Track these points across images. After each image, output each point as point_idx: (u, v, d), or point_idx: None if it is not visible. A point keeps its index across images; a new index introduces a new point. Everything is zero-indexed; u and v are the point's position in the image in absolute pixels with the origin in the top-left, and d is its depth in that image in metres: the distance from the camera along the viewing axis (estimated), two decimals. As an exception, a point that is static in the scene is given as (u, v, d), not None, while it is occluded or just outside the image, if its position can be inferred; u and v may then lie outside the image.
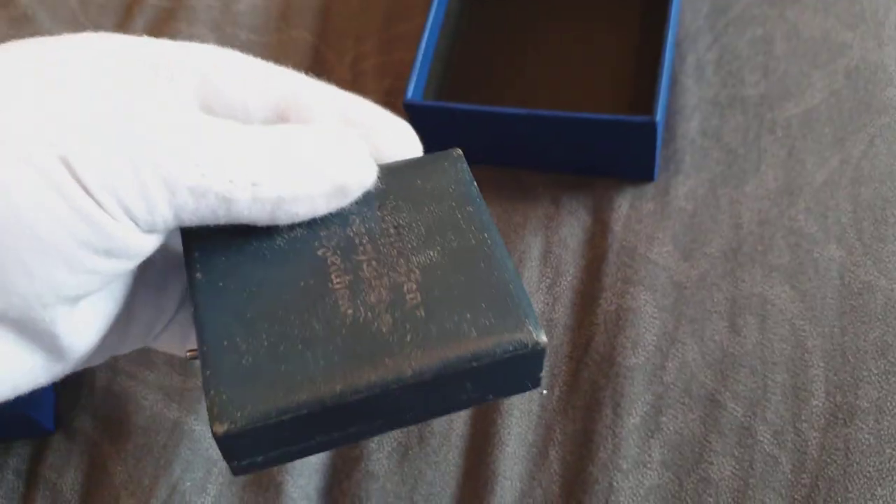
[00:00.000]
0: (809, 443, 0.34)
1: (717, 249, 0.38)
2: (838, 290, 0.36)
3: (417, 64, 0.40)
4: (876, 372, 0.35)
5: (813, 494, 0.33)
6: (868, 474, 0.33)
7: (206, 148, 0.23)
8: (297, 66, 0.46)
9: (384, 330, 0.23)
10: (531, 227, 0.40)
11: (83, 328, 0.25)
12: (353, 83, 0.46)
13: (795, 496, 0.33)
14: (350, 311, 0.23)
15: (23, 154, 0.21)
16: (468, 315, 0.23)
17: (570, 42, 0.43)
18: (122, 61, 0.24)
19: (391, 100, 0.45)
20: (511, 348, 0.23)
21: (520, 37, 0.44)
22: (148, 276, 0.27)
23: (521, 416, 0.36)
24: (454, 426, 0.37)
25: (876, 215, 0.37)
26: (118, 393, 0.39)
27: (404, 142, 0.28)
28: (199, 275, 0.24)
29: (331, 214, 0.25)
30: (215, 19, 0.49)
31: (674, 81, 0.42)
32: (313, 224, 0.25)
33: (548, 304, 0.38)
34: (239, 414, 0.21)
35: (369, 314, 0.23)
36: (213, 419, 0.21)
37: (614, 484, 0.34)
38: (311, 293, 0.23)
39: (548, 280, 0.39)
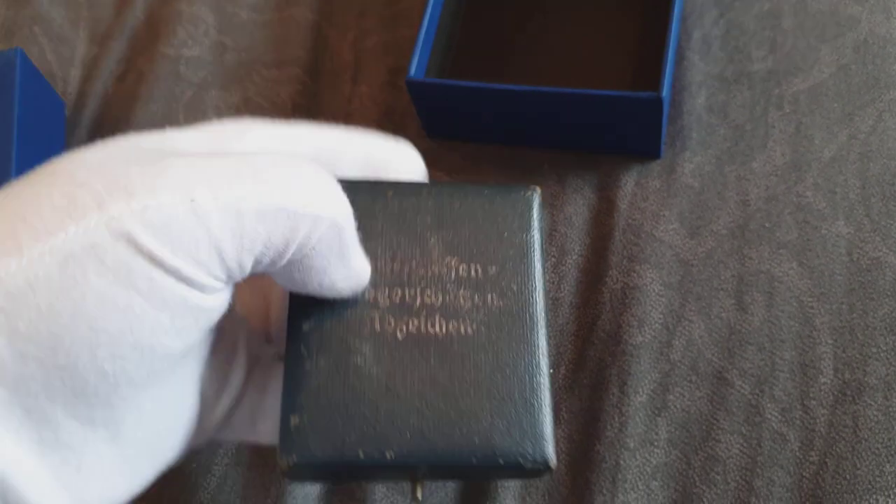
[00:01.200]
0: (818, 420, 0.34)
1: (724, 227, 0.38)
2: (846, 266, 0.36)
3: (420, 41, 0.40)
4: (884, 348, 0.34)
5: (821, 471, 0.33)
6: (876, 451, 0.33)
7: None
8: (299, 44, 0.46)
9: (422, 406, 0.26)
10: (536, 205, 0.40)
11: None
12: (355, 63, 0.45)
13: (804, 473, 0.33)
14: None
15: (77, 247, 0.20)
16: (492, 409, 0.26)
17: (574, 18, 0.43)
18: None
19: (394, 79, 0.44)
20: (522, 463, 0.26)
21: (524, 13, 0.43)
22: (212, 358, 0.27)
23: (527, 395, 0.36)
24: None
25: (884, 191, 0.37)
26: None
27: (415, 166, 0.30)
28: (304, 326, 0.27)
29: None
30: (216, -2, 0.48)
31: (680, 57, 0.42)
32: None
33: (553, 282, 0.38)
34: (303, 454, 0.25)
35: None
36: (282, 451, 0.25)
37: (621, 462, 0.34)
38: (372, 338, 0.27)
39: (553, 258, 0.39)
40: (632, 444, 0.34)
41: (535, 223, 0.29)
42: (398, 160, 0.29)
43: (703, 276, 0.37)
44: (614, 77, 0.41)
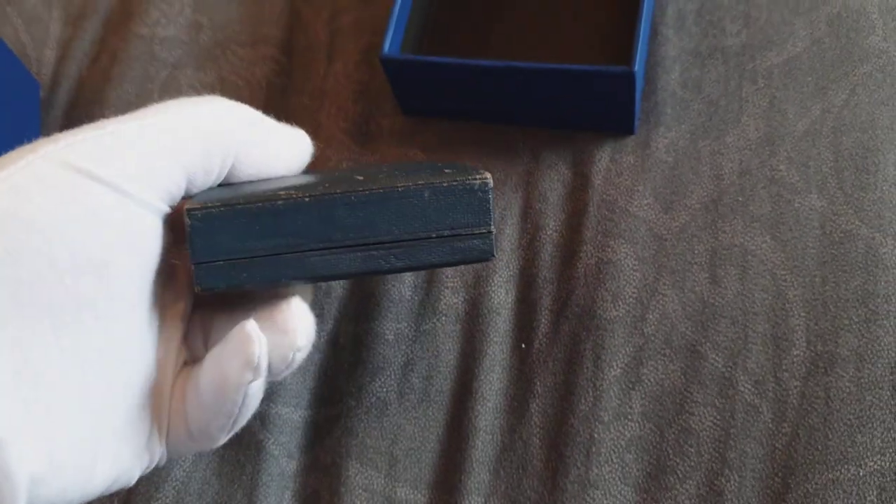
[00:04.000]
0: (790, 392, 0.34)
1: (698, 201, 0.38)
2: (819, 239, 0.36)
3: (394, 18, 0.39)
4: (856, 320, 0.34)
5: (794, 443, 0.33)
6: (848, 421, 0.33)
7: None
8: (273, 23, 0.46)
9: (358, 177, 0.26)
10: (511, 183, 0.40)
11: None
12: (329, 41, 0.45)
13: (776, 445, 0.33)
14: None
15: None
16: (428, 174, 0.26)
17: (549, -6, 0.43)
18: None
19: (369, 57, 0.44)
20: (458, 182, 0.26)
21: (498, -10, 0.43)
22: None
23: (501, 370, 0.36)
24: (434, 381, 0.37)
25: (857, 164, 0.37)
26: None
27: (303, 153, 0.31)
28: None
29: None
30: (190, -23, 0.48)
31: (654, 33, 0.42)
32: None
33: (528, 258, 0.38)
34: (207, 203, 0.25)
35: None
36: (186, 208, 0.25)
37: (595, 436, 0.34)
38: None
39: (528, 235, 0.39)
40: (606, 418, 0.34)
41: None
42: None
43: (677, 251, 0.37)
44: (589, 53, 0.41)
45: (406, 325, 0.38)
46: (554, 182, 0.39)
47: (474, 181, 0.26)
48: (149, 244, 0.25)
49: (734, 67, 0.40)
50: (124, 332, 0.25)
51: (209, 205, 0.25)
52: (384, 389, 0.37)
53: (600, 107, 0.38)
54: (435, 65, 0.38)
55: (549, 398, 0.35)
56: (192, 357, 0.29)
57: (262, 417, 0.37)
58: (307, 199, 0.25)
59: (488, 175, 0.26)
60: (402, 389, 0.37)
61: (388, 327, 0.38)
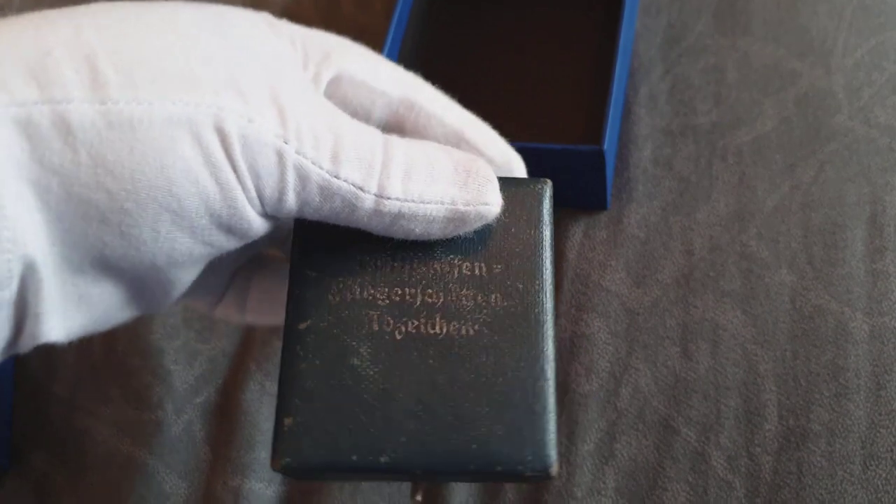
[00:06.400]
0: (763, 467, 0.34)
1: (670, 276, 0.38)
2: (790, 314, 0.37)
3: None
4: (827, 395, 0.35)
5: (766, 519, 0.33)
6: (820, 497, 0.33)
7: (346, 147, 0.23)
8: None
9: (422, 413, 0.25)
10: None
11: (172, 289, 0.26)
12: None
13: (749, 521, 0.33)
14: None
15: (185, 117, 0.21)
16: (492, 414, 0.25)
17: (525, 72, 0.44)
18: (277, 33, 0.25)
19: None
20: (521, 471, 0.25)
21: (473, 67, 0.44)
22: None
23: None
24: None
25: (826, 240, 0.38)
26: (74, 428, 0.39)
27: (512, 172, 0.30)
28: (310, 272, 0.26)
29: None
30: None
31: (627, 111, 0.43)
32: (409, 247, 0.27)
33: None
34: (295, 456, 0.25)
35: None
36: (274, 452, 0.25)
37: (568, 512, 0.34)
38: (378, 340, 0.26)
39: (503, 309, 0.39)
40: (579, 494, 0.34)
41: (546, 218, 0.28)
42: (496, 155, 0.30)
43: (649, 325, 0.37)
44: (564, 131, 0.42)
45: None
46: (529, 256, 0.40)
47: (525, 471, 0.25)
48: (245, 236, 0.25)
49: (705, 145, 0.41)
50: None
51: (307, 459, 0.25)
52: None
53: (573, 183, 0.39)
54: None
55: (523, 473, 0.35)
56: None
57: (235, 493, 0.36)
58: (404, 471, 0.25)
59: (555, 469, 0.25)
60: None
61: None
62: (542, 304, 0.26)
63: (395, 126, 0.28)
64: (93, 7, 0.23)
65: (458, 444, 0.25)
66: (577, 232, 0.40)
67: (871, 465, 0.33)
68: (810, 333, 0.36)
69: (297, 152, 0.23)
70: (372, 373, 0.25)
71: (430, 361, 0.26)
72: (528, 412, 0.25)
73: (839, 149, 0.40)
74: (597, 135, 0.40)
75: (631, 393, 0.36)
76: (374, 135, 0.25)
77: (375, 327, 0.26)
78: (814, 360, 0.35)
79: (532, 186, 0.28)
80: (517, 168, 0.30)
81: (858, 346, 0.35)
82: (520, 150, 0.38)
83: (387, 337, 0.26)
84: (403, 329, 0.26)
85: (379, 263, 0.26)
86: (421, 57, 0.45)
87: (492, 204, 0.26)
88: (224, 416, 0.38)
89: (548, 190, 0.28)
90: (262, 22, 0.25)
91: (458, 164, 0.26)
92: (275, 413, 0.25)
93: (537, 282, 0.27)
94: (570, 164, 0.37)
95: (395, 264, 0.27)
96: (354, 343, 0.26)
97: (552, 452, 0.25)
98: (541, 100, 0.43)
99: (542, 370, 0.25)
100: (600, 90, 0.42)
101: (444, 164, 0.25)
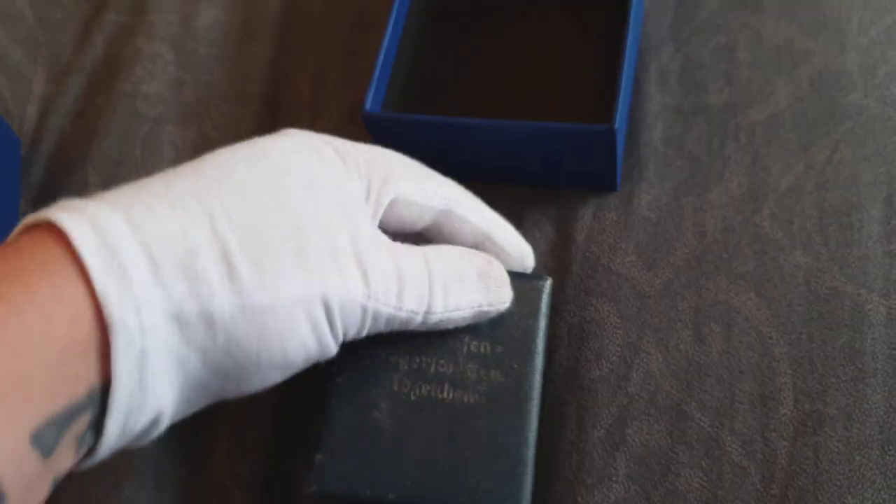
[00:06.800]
0: (778, 452, 0.33)
1: (681, 258, 0.37)
2: (805, 296, 0.36)
3: (376, 75, 0.39)
4: (844, 378, 0.34)
5: (782, 505, 0.32)
6: (838, 482, 0.32)
7: (407, 287, 0.29)
8: (258, 80, 0.46)
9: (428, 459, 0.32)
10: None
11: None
12: (313, 98, 0.45)
13: (764, 507, 0.32)
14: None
15: (300, 297, 0.27)
16: (482, 470, 0.31)
17: (533, 52, 0.43)
18: (347, 167, 0.30)
19: (354, 114, 0.44)
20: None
21: (482, 47, 0.43)
22: None
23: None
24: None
25: (841, 220, 0.37)
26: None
27: (524, 266, 0.35)
28: (338, 379, 0.33)
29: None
30: (174, 35, 0.48)
31: (637, 91, 0.42)
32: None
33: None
34: (322, 486, 0.32)
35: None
36: (307, 480, 0.32)
37: (579, 500, 0.33)
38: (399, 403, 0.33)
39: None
40: (589, 481, 0.34)
41: (543, 310, 0.33)
42: (515, 253, 0.34)
43: (661, 308, 0.36)
44: (572, 110, 0.41)
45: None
46: (537, 239, 0.39)
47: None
48: (322, 354, 0.29)
49: (717, 125, 0.40)
50: None
51: (331, 488, 0.31)
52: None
53: (583, 164, 0.38)
54: (417, 122, 0.38)
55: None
56: None
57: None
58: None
59: None
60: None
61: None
62: (532, 382, 0.32)
63: (434, 229, 0.33)
64: (213, 177, 0.27)
65: (451, 490, 0.31)
66: (586, 214, 0.39)
67: (889, 450, 0.32)
68: (826, 316, 0.35)
69: (375, 300, 0.28)
70: (388, 425, 0.32)
71: (436, 421, 0.32)
72: (510, 472, 0.31)
73: (854, 128, 0.39)
74: (606, 114, 0.39)
75: (643, 378, 0.35)
76: (422, 265, 0.30)
77: (395, 387, 0.32)
78: (830, 344, 0.35)
79: (535, 282, 0.34)
80: (528, 259, 0.35)
81: (875, 328, 0.34)
82: (529, 130, 0.37)
83: (403, 396, 0.32)
84: (418, 391, 0.32)
85: (404, 336, 0.32)
86: (430, 34, 0.44)
87: (506, 301, 0.32)
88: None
89: (547, 286, 0.34)
90: (336, 157, 0.30)
91: (480, 271, 0.31)
92: (309, 449, 0.32)
93: (530, 363, 0.33)
94: (580, 143, 0.36)
95: (418, 338, 0.32)
96: (378, 398, 0.32)
97: None
98: (550, 79, 0.42)
99: (526, 439, 0.32)
100: (610, 69, 0.41)
101: (470, 275, 0.31)
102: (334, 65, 0.46)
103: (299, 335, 0.27)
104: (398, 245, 0.30)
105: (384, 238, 0.30)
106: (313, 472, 0.31)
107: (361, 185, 0.30)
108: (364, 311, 0.28)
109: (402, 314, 0.29)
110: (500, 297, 0.32)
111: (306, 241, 0.27)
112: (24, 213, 0.44)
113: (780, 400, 0.34)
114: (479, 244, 0.34)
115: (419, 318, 0.30)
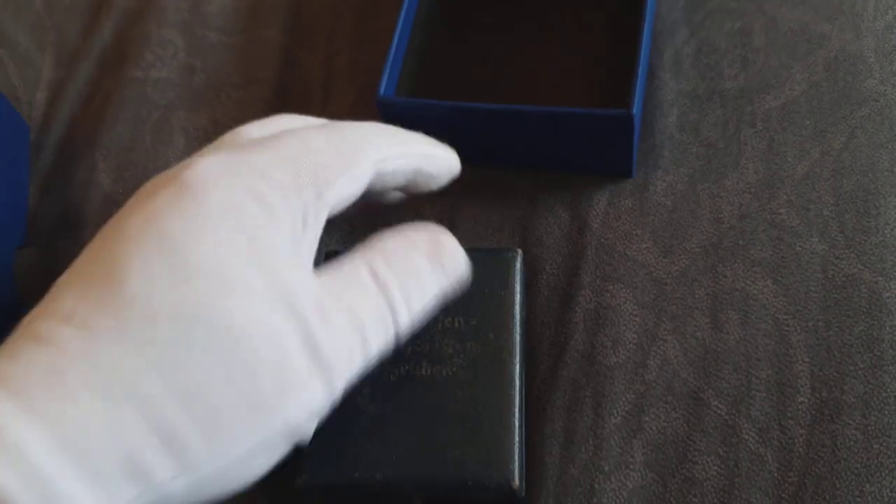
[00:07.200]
0: (795, 440, 0.33)
1: (698, 244, 0.37)
2: (822, 283, 0.36)
3: (390, 60, 0.39)
4: (862, 366, 0.34)
5: (800, 493, 0.32)
6: (856, 470, 0.32)
7: (370, 335, 0.28)
8: (268, 65, 0.46)
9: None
10: (508, 228, 0.39)
11: None
12: (324, 83, 0.45)
13: (782, 495, 0.32)
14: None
15: (262, 444, 0.26)
16: (465, 439, 0.31)
17: (546, 37, 0.42)
18: (271, 215, 0.27)
19: (365, 99, 0.44)
20: (488, 485, 0.31)
21: (495, 32, 0.43)
22: None
23: (499, 418, 0.35)
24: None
25: (858, 207, 0.37)
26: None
27: (452, 172, 0.34)
28: None
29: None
30: (184, 20, 0.48)
31: (651, 76, 0.42)
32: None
33: (525, 303, 0.37)
34: (311, 475, 0.32)
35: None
36: (295, 473, 0.31)
37: (596, 486, 0.33)
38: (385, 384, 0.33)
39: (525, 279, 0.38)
40: (606, 468, 0.34)
41: (515, 280, 0.34)
42: (442, 175, 0.33)
43: (677, 295, 0.36)
44: (587, 96, 0.40)
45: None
46: (551, 226, 0.39)
47: (500, 490, 0.31)
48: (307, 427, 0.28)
49: (732, 110, 0.40)
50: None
51: (320, 476, 0.31)
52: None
53: (598, 150, 0.38)
54: (431, 107, 0.38)
55: (548, 447, 0.34)
56: None
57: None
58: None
59: (516, 484, 0.31)
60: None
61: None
62: (511, 349, 0.33)
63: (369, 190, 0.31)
64: (135, 330, 0.24)
65: (438, 464, 0.31)
66: (601, 200, 0.39)
67: (907, 438, 0.32)
68: (843, 303, 0.35)
69: (342, 380, 0.27)
70: (371, 408, 0.32)
71: (418, 397, 0.32)
72: (496, 439, 0.31)
73: (870, 114, 0.39)
74: (620, 100, 0.39)
75: (659, 365, 0.35)
76: (372, 287, 0.28)
77: (375, 371, 0.30)
78: (847, 331, 0.35)
79: (505, 255, 0.35)
80: (456, 168, 0.34)
81: (893, 316, 0.34)
82: (544, 116, 0.36)
83: (383, 378, 0.32)
84: (397, 372, 0.32)
85: None
86: (445, 19, 0.44)
87: (463, 272, 0.31)
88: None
89: (518, 258, 0.35)
90: (257, 208, 0.27)
91: (429, 252, 0.30)
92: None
93: (506, 331, 0.33)
94: (596, 129, 0.36)
95: None
96: (359, 385, 0.30)
97: (514, 469, 0.31)
98: (563, 64, 0.41)
99: (509, 404, 0.32)
100: (622, 55, 0.41)
101: (423, 266, 0.29)
102: (345, 49, 0.46)
103: (267, 465, 0.27)
104: (340, 280, 0.28)
105: (327, 282, 0.27)
106: (302, 461, 0.31)
107: (295, 219, 0.27)
108: (331, 399, 0.27)
109: (375, 353, 0.28)
110: (457, 272, 0.31)
111: (253, 377, 0.25)
112: (33, 199, 0.43)
113: (797, 387, 0.34)
114: (411, 182, 0.32)
115: (393, 342, 0.29)
